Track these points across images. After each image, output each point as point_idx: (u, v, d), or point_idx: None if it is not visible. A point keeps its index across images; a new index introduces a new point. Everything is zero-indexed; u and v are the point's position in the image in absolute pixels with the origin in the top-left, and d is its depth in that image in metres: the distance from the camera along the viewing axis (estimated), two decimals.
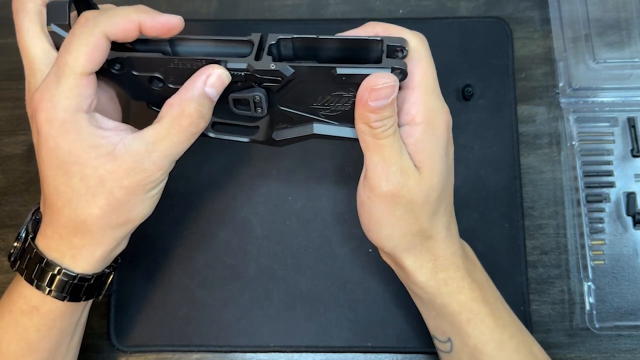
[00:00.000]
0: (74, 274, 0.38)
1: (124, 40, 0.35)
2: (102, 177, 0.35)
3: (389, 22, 0.38)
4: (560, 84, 0.53)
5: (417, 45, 0.37)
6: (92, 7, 0.39)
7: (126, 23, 0.34)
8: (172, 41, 0.38)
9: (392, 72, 0.34)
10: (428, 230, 0.39)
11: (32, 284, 0.38)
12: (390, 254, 0.40)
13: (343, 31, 0.38)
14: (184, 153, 0.37)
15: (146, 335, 0.49)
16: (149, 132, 0.36)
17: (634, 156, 0.52)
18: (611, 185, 0.51)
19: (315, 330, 0.49)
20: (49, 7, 0.37)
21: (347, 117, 0.37)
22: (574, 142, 0.52)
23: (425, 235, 0.39)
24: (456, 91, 0.53)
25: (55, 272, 0.37)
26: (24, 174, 0.53)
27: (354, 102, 0.36)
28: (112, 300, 0.49)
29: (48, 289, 0.38)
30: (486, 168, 0.52)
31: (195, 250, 0.50)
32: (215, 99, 0.36)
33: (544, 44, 0.55)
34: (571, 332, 0.49)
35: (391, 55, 0.36)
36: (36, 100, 0.35)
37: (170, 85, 0.37)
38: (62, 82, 0.34)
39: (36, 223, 0.40)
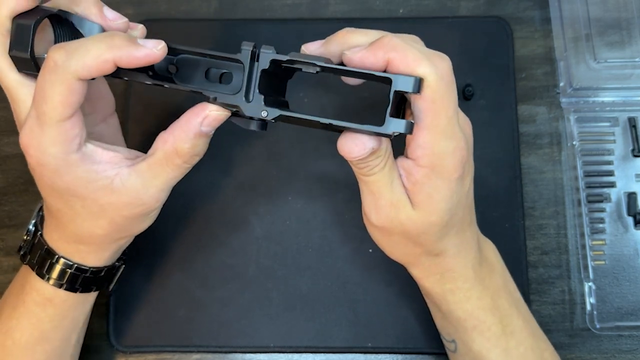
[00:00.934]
0: (85, 268, 0.39)
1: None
2: (102, 207, 0.36)
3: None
4: (561, 84, 0.52)
5: (433, 82, 0.32)
6: (67, 27, 0.36)
7: (99, 64, 0.32)
8: None
9: (392, 137, 0.32)
10: (434, 250, 0.37)
11: (43, 278, 0.39)
12: (397, 262, 0.40)
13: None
14: None
15: (146, 335, 0.49)
16: (144, 166, 0.35)
17: (635, 156, 0.51)
18: (612, 185, 0.51)
19: (315, 330, 0.49)
20: (15, 28, 0.34)
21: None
22: (574, 142, 0.52)
23: (432, 254, 0.38)
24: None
25: (66, 267, 0.38)
26: (24, 174, 0.53)
27: None
28: (112, 300, 0.49)
29: (60, 282, 0.39)
30: (486, 168, 0.51)
31: (194, 250, 0.50)
32: (212, 133, 0.35)
33: (545, 44, 0.55)
34: (572, 333, 0.49)
35: (400, 95, 0.33)
36: (24, 144, 0.34)
37: (165, 86, 0.37)
38: (46, 131, 0.33)
39: (43, 219, 0.40)
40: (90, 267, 0.39)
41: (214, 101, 0.34)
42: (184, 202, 0.51)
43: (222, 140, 0.51)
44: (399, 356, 0.49)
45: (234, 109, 0.34)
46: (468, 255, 0.39)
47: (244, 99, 0.33)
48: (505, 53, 0.54)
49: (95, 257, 0.39)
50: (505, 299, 0.41)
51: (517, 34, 0.55)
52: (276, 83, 0.37)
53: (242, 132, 0.52)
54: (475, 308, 0.39)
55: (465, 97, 0.52)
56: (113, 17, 0.37)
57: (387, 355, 0.49)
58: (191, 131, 0.34)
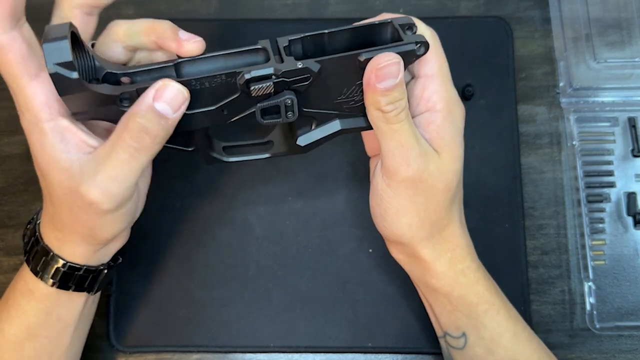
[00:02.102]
0: (63, 261, 0.38)
1: (95, 6, 0.34)
2: (64, 192, 0.35)
3: None
4: (561, 84, 0.52)
5: (430, 36, 0.37)
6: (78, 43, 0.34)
7: None
8: (177, 65, 0.35)
9: (416, 46, 0.34)
10: (445, 219, 0.39)
11: (28, 266, 0.39)
12: (407, 244, 0.40)
13: None
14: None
15: (146, 335, 0.49)
16: (99, 149, 0.34)
17: (635, 156, 0.51)
18: (612, 185, 0.51)
19: (315, 330, 0.49)
20: (46, 40, 0.31)
21: None
22: (574, 142, 0.52)
23: (442, 224, 0.39)
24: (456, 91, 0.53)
25: (48, 258, 0.38)
26: (23, 173, 0.53)
27: None
28: (112, 300, 0.49)
29: (40, 272, 0.39)
30: (486, 168, 0.51)
31: (194, 250, 0.50)
32: (172, 118, 0.33)
33: (545, 44, 0.55)
34: (572, 333, 0.49)
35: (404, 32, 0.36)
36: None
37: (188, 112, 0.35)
38: (24, 90, 0.34)
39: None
40: (67, 261, 0.38)
41: (247, 73, 0.34)
42: (184, 202, 0.51)
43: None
44: (399, 356, 0.49)
45: (269, 78, 0.34)
46: (467, 234, 0.41)
47: (275, 63, 0.34)
48: (505, 53, 0.54)
49: (69, 249, 0.38)
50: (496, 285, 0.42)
51: (517, 34, 0.55)
52: None
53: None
54: (485, 290, 0.40)
55: (465, 97, 0.52)
56: (187, 38, 0.36)
57: (387, 355, 0.49)
58: (143, 104, 0.33)
